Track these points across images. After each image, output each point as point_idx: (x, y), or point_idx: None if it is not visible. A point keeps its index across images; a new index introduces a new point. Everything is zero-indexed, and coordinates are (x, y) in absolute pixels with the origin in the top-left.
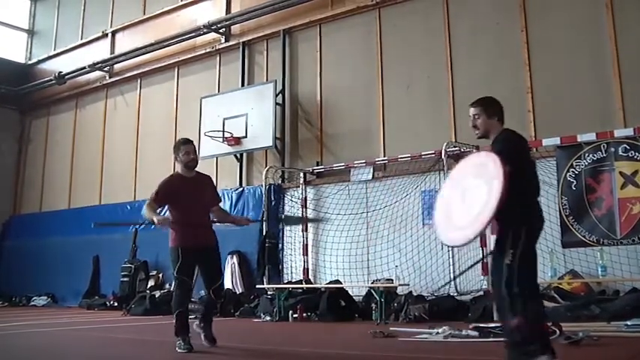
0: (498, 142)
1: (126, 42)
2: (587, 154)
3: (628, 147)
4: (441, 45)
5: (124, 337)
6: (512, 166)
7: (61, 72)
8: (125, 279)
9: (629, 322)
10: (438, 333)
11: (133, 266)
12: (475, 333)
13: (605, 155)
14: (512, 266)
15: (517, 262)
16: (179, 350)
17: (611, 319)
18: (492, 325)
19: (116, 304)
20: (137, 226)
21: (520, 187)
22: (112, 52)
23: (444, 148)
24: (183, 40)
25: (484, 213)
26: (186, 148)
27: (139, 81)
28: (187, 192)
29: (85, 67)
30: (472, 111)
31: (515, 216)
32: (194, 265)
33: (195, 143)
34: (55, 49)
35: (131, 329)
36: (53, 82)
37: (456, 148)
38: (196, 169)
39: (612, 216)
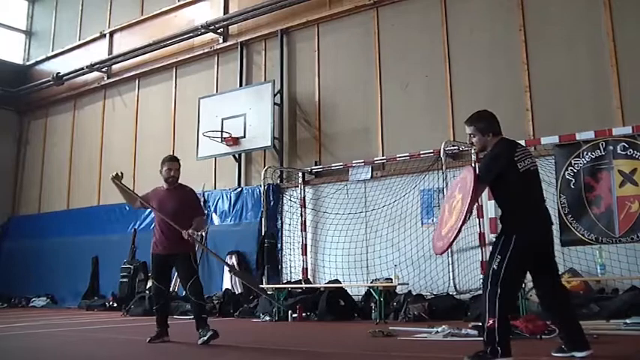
0: (484, 157)
1: (124, 42)
2: (585, 153)
3: (626, 145)
4: (439, 44)
5: (124, 337)
6: (486, 181)
7: (59, 73)
8: (124, 280)
9: (628, 320)
10: (437, 332)
11: (132, 267)
12: (474, 332)
13: (603, 154)
14: (497, 272)
15: (503, 268)
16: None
17: (610, 317)
18: None
19: (115, 304)
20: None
21: (507, 197)
22: (110, 52)
23: (442, 147)
24: (181, 40)
25: (452, 228)
26: (169, 165)
27: (137, 81)
28: (163, 203)
29: (83, 68)
30: (467, 130)
31: (508, 223)
32: (168, 270)
33: (194, 143)
34: (52, 50)
35: (130, 330)
36: (51, 83)
37: (455, 147)
38: (192, 169)
39: (611, 214)
